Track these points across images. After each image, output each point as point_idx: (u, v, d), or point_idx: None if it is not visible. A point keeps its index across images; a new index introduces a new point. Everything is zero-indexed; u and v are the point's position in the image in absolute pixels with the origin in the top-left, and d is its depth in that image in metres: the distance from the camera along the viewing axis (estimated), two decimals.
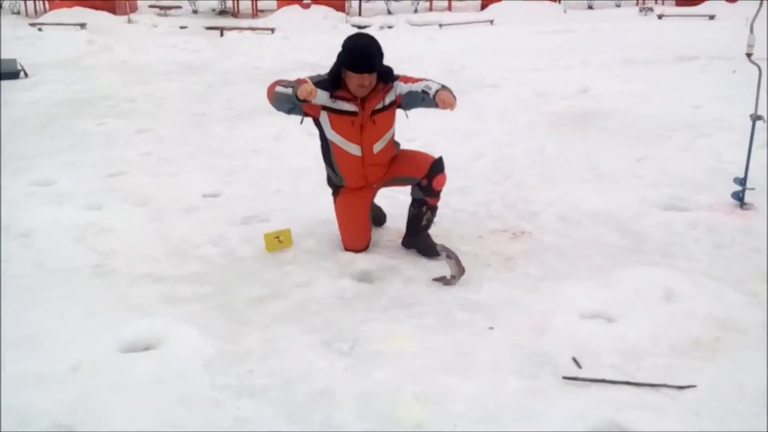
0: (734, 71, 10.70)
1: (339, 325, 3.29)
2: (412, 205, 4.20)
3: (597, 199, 5.03)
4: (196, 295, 3.62)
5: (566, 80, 10.10)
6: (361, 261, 3.96)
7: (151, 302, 3.54)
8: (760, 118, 4.48)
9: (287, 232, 4.18)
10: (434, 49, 13.68)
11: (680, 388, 2.74)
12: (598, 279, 3.68)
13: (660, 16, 21.50)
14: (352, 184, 4.00)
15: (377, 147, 3.88)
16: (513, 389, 2.76)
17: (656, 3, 25.46)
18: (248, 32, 17.00)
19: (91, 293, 3.63)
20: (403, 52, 13.71)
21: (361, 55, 3.61)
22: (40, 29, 16.66)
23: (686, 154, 6.24)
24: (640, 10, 23.55)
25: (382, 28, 17.86)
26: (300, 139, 6.90)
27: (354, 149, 3.85)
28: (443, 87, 3.72)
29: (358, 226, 4.05)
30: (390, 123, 3.91)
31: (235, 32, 16.89)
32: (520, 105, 8.70)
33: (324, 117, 3.80)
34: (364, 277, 3.83)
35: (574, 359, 2.95)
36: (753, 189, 4.57)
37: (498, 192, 5.29)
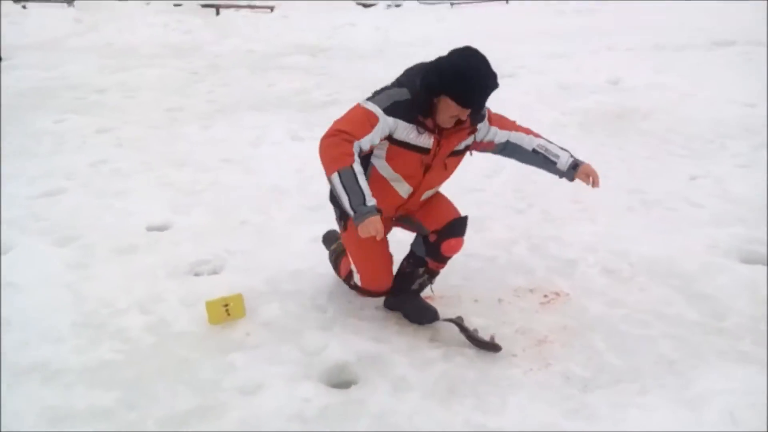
0: None
1: None
2: (407, 259, 3.15)
3: (650, 240, 3.90)
4: (93, 410, 2.52)
5: (593, 68, 8.92)
6: (336, 347, 2.85)
7: (26, 419, 2.46)
8: None
9: (238, 299, 3.08)
10: (445, 31, 12.45)
11: None
12: (672, 391, 2.57)
13: None
14: None
15: (428, 194, 2.99)
16: None
17: None
18: (246, 11, 15.73)
19: None
20: (411, 33, 12.54)
21: (477, 87, 2.60)
22: (24, 6, 15.50)
23: (750, 171, 5.08)
24: None
25: (389, 6, 16.54)
26: (282, 145, 5.80)
27: (404, 190, 2.91)
28: (575, 158, 3.02)
29: (383, 260, 3.04)
30: (455, 169, 2.99)
31: (231, 11, 15.66)
32: (542, 99, 7.54)
33: (383, 144, 2.78)
34: (337, 377, 2.73)
35: None
36: None
37: (521, 226, 4.16)
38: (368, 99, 2.74)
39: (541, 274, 3.56)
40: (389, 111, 2.67)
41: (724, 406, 2.42)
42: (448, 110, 2.65)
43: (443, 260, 3.03)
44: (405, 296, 3.15)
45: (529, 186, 4.86)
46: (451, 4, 16.36)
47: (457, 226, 2.96)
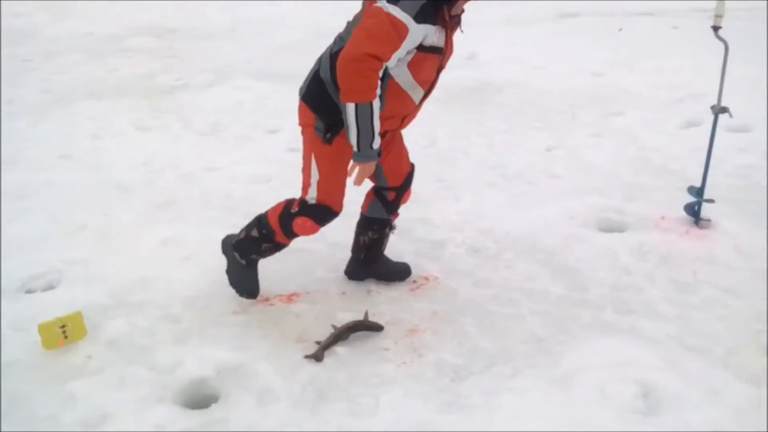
0: (620, 29, 10.03)
1: None
2: (369, 228, 3.12)
3: (514, 215, 3.90)
4: None
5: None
6: (192, 362, 2.58)
7: None
8: (725, 110, 3.46)
9: (76, 318, 2.73)
10: (300, 7, 12.14)
11: None
12: (543, 370, 2.53)
13: None
14: (385, 126, 2.70)
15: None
16: None
17: None
18: None
19: None
20: (264, 10, 12.07)
21: None
22: None
23: (601, 140, 5.25)
24: None
25: None
26: (125, 137, 5.34)
27: (417, 95, 2.73)
28: None
29: (343, 184, 2.83)
30: None
31: None
32: None
33: (409, 54, 2.54)
34: (195, 396, 2.48)
35: None
36: (712, 201, 3.57)
37: None
38: (391, 1, 2.43)
39: (410, 259, 3.45)
40: (420, 18, 2.44)
41: (593, 383, 2.40)
42: None
43: (397, 209, 3.11)
44: (378, 263, 3.21)
45: None
46: None
47: (409, 179, 3.06)
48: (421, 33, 2.47)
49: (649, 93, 6.43)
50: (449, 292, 3.16)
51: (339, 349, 2.69)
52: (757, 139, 5.01)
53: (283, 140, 5.12)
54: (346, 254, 3.28)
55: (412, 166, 3.07)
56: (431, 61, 2.62)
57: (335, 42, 2.66)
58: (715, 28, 3.31)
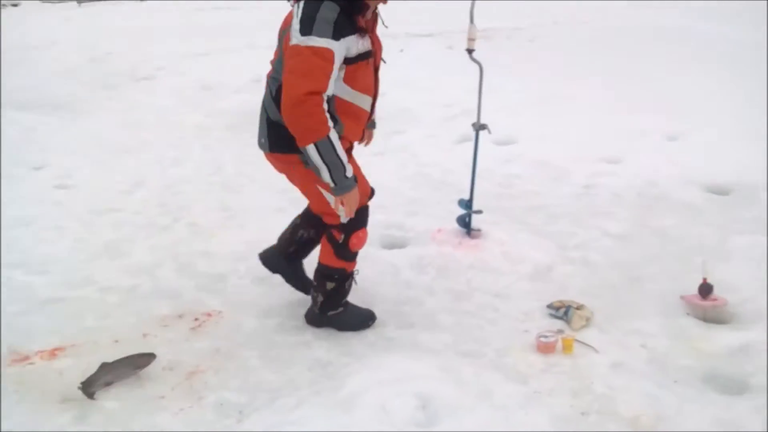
0: (401, 50, 10.52)
1: None
2: (313, 226, 3.12)
3: None
4: None
5: (236, 67, 8.84)
6: None
7: None
8: (483, 127, 3.71)
9: None
10: (73, 32, 11.33)
11: None
12: (327, 396, 2.51)
13: None
14: (350, 138, 2.80)
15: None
16: None
17: None
18: None
19: None
20: (33, 34, 11.14)
21: None
22: None
23: (384, 159, 5.42)
24: None
25: (4, 6, 14.59)
26: None
27: (366, 103, 2.78)
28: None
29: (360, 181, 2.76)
30: None
31: None
32: (185, 102, 7.26)
33: (340, 70, 2.56)
34: None
35: None
36: (480, 212, 3.81)
37: (166, 245, 3.85)
38: (303, 33, 2.43)
39: (191, 296, 3.31)
40: (337, 35, 2.46)
41: (375, 401, 2.44)
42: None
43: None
44: (298, 260, 3.19)
45: (174, 198, 4.56)
46: (79, 2, 15.04)
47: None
48: (344, 48, 2.51)
49: (427, 111, 6.78)
50: (233, 326, 3.07)
51: (107, 403, 2.49)
52: (521, 151, 5.47)
53: (48, 177, 4.70)
54: (118, 297, 3.06)
55: (372, 191, 3.05)
56: (364, 67, 2.67)
57: (270, 83, 2.72)
58: (470, 51, 3.54)
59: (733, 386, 2.67)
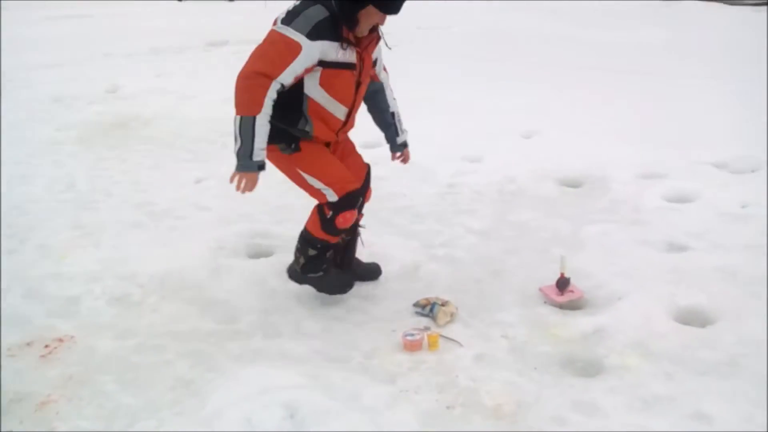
0: None
1: None
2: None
3: (161, 254, 3.72)
4: None
5: (89, 78, 8.45)
6: None
7: None
8: None
9: None
10: None
11: None
12: (190, 416, 2.42)
13: None
14: (321, 138, 2.99)
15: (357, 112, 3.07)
16: None
17: None
18: None
19: None
20: None
21: None
22: None
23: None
24: None
25: None
26: None
27: (340, 112, 2.94)
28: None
29: (339, 166, 3.04)
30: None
31: None
32: (33, 116, 6.81)
33: (315, 72, 2.76)
34: None
35: None
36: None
37: (12, 270, 3.56)
38: (283, 22, 2.64)
39: (40, 322, 3.08)
40: (313, 35, 2.63)
41: (240, 415, 2.37)
42: (369, 19, 2.73)
43: (361, 209, 3.20)
44: (351, 264, 3.36)
45: (21, 218, 4.25)
46: None
47: (368, 178, 3.17)
48: (317, 50, 2.66)
49: None
50: (87, 350, 2.88)
51: None
52: (387, 154, 5.51)
53: None
54: None
55: (368, 166, 3.25)
56: (344, 77, 2.82)
57: None
58: None
59: (589, 369, 2.82)
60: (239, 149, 2.66)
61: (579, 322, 3.10)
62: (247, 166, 2.69)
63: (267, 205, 4.53)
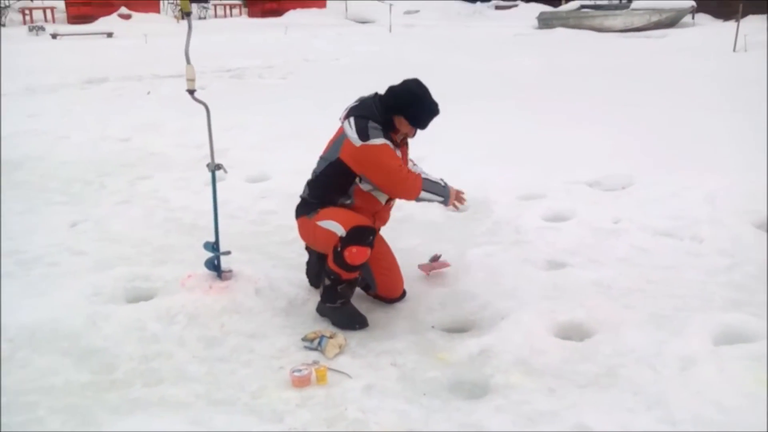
0: (149, 92, 10.14)
1: None
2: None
3: (31, 305, 3.46)
4: None
5: None
6: None
7: None
8: (219, 167, 3.63)
9: None
10: None
11: None
12: None
13: (54, 36, 20.02)
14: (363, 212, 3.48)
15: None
16: None
17: (46, 21, 23.78)
18: None
19: None
20: None
21: (431, 113, 3.36)
22: None
23: (130, 207, 5.14)
24: (30, 30, 21.58)
25: None
26: None
27: (383, 197, 3.51)
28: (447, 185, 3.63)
29: (351, 212, 3.42)
30: None
31: None
32: None
33: None
34: None
35: None
36: (229, 253, 3.69)
37: None
38: (363, 139, 3.23)
39: None
40: (387, 137, 3.29)
41: None
42: (402, 127, 3.35)
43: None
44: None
45: None
46: None
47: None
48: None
49: (176, 153, 6.57)
50: None
51: None
52: (275, 186, 5.48)
53: None
54: None
55: (404, 292, 3.62)
56: None
57: (314, 170, 3.54)
58: (191, 92, 3.45)
59: (476, 390, 2.86)
60: (438, 194, 3.46)
61: (466, 344, 3.15)
62: (446, 191, 3.49)
63: (148, 246, 4.37)
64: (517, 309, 3.37)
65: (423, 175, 3.43)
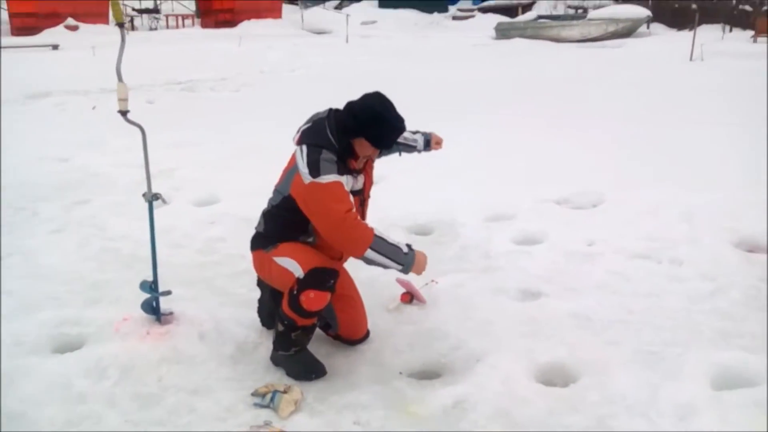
0: (94, 107, 9.63)
1: None
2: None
3: None
4: None
5: None
6: None
7: None
8: (157, 197, 3.23)
9: None
10: None
11: None
12: None
13: None
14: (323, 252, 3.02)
15: None
16: None
17: None
18: None
19: None
20: None
21: (396, 132, 2.96)
22: None
23: (63, 237, 4.67)
24: None
25: None
26: None
27: None
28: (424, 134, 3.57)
29: (313, 252, 2.99)
30: None
31: None
32: None
33: None
34: None
35: None
36: (169, 293, 3.28)
37: None
38: (314, 176, 2.78)
39: None
40: (339, 172, 2.82)
41: None
42: (363, 151, 2.92)
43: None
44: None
45: None
46: None
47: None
48: (345, 181, 2.85)
49: (119, 174, 6.10)
50: None
51: None
52: (225, 210, 5.09)
53: None
54: None
55: (368, 332, 3.26)
56: (353, 202, 2.90)
57: (270, 201, 3.10)
58: (123, 113, 3.07)
59: None
60: (394, 260, 2.82)
61: (438, 394, 2.81)
62: (409, 258, 2.85)
63: (81, 282, 3.92)
64: (493, 350, 3.05)
65: (376, 233, 2.79)
